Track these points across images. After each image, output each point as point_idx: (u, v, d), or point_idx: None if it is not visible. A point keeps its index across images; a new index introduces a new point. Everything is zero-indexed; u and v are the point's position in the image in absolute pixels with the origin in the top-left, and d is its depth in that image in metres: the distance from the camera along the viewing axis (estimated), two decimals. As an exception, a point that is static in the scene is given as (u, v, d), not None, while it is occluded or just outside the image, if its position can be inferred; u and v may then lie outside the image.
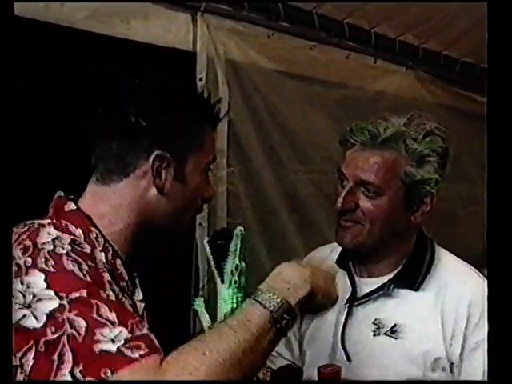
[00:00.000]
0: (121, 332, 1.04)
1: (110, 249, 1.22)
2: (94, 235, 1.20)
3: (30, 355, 1.04)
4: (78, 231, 1.18)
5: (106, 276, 1.15)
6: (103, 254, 1.19)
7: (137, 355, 1.02)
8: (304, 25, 2.99)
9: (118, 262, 1.23)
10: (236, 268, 1.30)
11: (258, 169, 2.80)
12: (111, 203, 1.25)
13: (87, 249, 1.16)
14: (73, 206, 1.24)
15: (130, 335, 1.04)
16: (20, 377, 1.07)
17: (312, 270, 1.27)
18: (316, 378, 1.53)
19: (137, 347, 1.03)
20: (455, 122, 3.60)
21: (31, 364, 1.04)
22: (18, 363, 1.06)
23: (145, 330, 1.07)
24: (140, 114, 1.23)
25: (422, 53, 3.52)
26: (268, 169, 2.84)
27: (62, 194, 1.28)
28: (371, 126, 1.59)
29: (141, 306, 1.26)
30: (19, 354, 1.05)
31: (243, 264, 1.31)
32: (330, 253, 1.78)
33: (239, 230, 1.31)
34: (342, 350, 1.63)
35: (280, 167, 2.89)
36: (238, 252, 1.30)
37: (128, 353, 1.02)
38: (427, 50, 3.55)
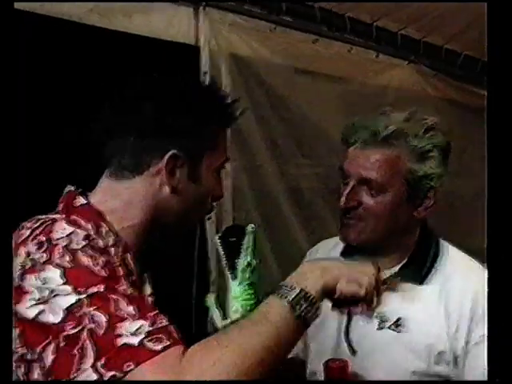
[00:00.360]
0: (142, 325, 1.04)
1: (120, 244, 1.22)
2: (104, 230, 1.20)
3: (50, 350, 1.05)
4: (89, 226, 1.18)
5: (121, 270, 1.15)
6: (113, 249, 1.18)
7: (159, 347, 1.02)
8: (305, 19, 2.99)
9: (128, 256, 1.23)
10: (248, 265, 1.30)
11: (261, 163, 2.81)
12: (123, 199, 1.25)
13: (101, 243, 1.16)
14: (83, 201, 1.24)
15: (150, 328, 1.04)
16: (36, 371, 1.07)
17: (331, 262, 1.29)
18: (320, 371, 1.54)
19: (159, 340, 1.03)
20: (457, 115, 3.61)
21: (51, 359, 1.05)
22: (36, 357, 1.06)
23: (165, 322, 1.07)
24: (157, 113, 1.22)
25: (423, 46, 3.52)
26: (271, 163, 2.84)
27: (72, 188, 1.27)
28: (371, 123, 1.59)
29: (150, 301, 1.25)
30: (38, 349, 1.06)
31: (255, 261, 1.31)
32: (333, 246, 1.78)
33: (251, 227, 1.32)
34: (346, 344, 1.63)
35: (283, 161, 2.90)
36: (250, 249, 1.31)
37: (150, 345, 1.02)
38: (429, 44, 3.54)
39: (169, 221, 1.28)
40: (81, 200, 1.24)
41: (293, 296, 1.15)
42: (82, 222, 1.18)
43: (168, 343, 1.03)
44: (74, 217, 1.18)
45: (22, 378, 1.10)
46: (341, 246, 1.73)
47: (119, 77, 1.33)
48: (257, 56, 2.78)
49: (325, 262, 1.29)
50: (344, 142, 1.65)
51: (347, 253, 1.71)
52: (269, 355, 1.08)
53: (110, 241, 1.19)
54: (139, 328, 1.04)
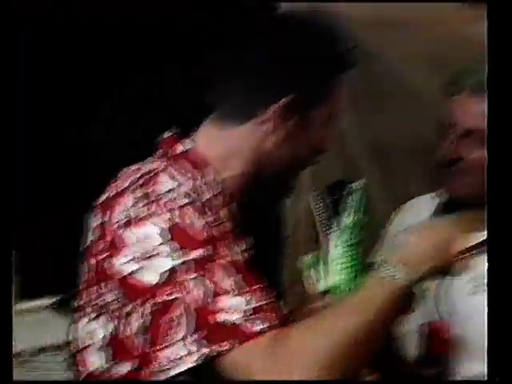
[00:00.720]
0: (244, 301, 0.97)
1: (222, 196, 1.13)
2: (206, 181, 1.12)
3: (140, 312, 0.99)
4: (191, 178, 1.10)
5: (223, 229, 1.07)
6: (215, 202, 1.11)
7: (259, 328, 0.96)
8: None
9: (230, 210, 1.14)
10: (350, 225, 1.21)
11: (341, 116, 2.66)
12: (227, 147, 1.16)
13: (206, 198, 1.08)
14: (185, 147, 1.16)
15: (253, 305, 0.97)
16: (128, 328, 1.01)
17: (437, 236, 1.18)
18: (412, 331, 1.50)
19: (260, 319, 0.97)
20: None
21: (140, 322, 0.99)
22: (125, 316, 1.01)
23: (268, 299, 1.00)
24: (272, 56, 1.14)
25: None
26: (351, 117, 2.66)
27: (172, 132, 1.19)
28: (480, 69, 1.47)
29: (245, 256, 1.15)
30: (127, 308, 1.01)
31: (360, 220, 1.22)
32: (425, 204, 1.70)
33: (358, 183, 1.23)
34: (438, 307, 1.55)
35: (364, 114, 2.74)
36: (355, 208, 1.22)
37: (250, 325, 0.96)
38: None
39: (271, 173, 1.19)
40: (182, 147, 1.16)
41: (400, 276, 1.06)
42: (185, 174, 1.10)
43: (268, 324, 0.97)
44: (176, 167, 1.11)
45: (110, 334, 1.05)
46: (433, 204, 1.65)
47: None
48: (336, 6, 2.61)
49: (431, 235, 1.19)
50: (447, 90, 1.56)
51: (440, 211, 1.61)
52: (370, 341, 1.02)
53: (212, 193, 1.11)
54: (240, 303, 0.97)
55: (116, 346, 1.05)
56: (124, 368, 1.04)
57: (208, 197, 1.08)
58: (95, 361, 1.08)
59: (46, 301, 2.92)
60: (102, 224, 1.07)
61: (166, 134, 1.19)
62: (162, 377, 0.97)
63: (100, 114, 2.95)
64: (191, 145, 1.16)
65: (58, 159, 2.76)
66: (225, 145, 1.16)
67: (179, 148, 1.16)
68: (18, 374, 2.48)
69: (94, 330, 1.08)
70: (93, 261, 1.08)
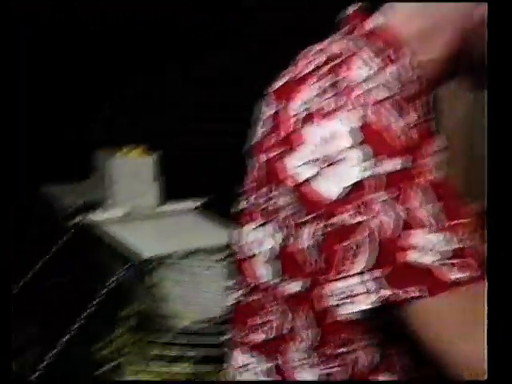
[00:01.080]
0: (442, 239, 0.75)
1: (420, 83, 0.87)
2: (402, 65, 0.85)
3: (313, 228, 0.79)
4: (386, 60, 0.85)
5: (426, 129, 0.81)
6: (414, 92, 0.85)
7: (456, 276, 0.74)
8: None
9: (428, 102, 0.89)
10: None
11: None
12: (427, 23, 0.89)
13: (404, 90, 0.82)
14: (376, 23, 0.89)
15: (453, 246, 0.75)
16: (292, 240, 0.82)
17: None
18: None
19: (459, 265, 0.74)
20: None
21: (313, 241, 0.80)
22: (295, 226, 0.82)
23: (472, 240, 0.77)
24: None
25: None
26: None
27: (358, 6, 0.94)
28: None
29: (435, 159, 0.82)
30: (300, 219, 0.81)
31: None
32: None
33: None
34: None
35: None
36: None
37: (447, 271, 0.74)
38: None
39: (475, 57, 0.91)
40: (372, 23, 0.90)
41: None
42: (379, 57, 0.85)
43: (468, 274, 0.74)
44: (368, 48, 0.85)
45: (278, 245, 0.86)
46: None
47: None
48: None
49: None
50: None
51: None
52: None
53: (409, 82, 0.85)
54: (438, 243, 0.74)
55: (285, 260, 0.87)
56: (294, 286, 0.86)
57: (406, 87, 0.83)
58: (262, 273, 0.90)
59: (191, 204, 2.85)
60: (277, 114, 0.87)
61: (352, 8, 0.94)
62: (333, 312, 0.81)
63: (100, 114, 2.93)
64: (383, 20, 0.90)
65: (58, 159, 2.73)
66: (424, 20, 0.89)
67: (369, 24, 0.90)
68: (167, 276, 2.38)
69: (262, 239, 0.90)
70: (263, 158, 0.88)
